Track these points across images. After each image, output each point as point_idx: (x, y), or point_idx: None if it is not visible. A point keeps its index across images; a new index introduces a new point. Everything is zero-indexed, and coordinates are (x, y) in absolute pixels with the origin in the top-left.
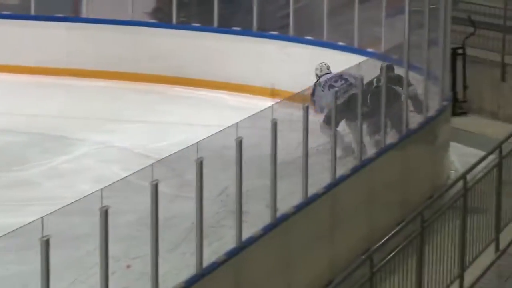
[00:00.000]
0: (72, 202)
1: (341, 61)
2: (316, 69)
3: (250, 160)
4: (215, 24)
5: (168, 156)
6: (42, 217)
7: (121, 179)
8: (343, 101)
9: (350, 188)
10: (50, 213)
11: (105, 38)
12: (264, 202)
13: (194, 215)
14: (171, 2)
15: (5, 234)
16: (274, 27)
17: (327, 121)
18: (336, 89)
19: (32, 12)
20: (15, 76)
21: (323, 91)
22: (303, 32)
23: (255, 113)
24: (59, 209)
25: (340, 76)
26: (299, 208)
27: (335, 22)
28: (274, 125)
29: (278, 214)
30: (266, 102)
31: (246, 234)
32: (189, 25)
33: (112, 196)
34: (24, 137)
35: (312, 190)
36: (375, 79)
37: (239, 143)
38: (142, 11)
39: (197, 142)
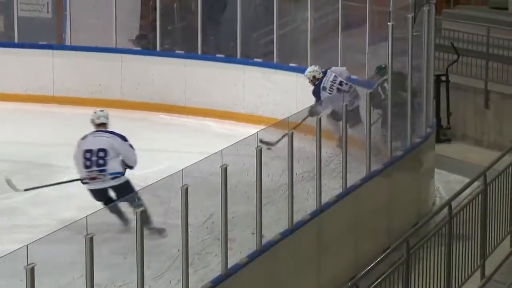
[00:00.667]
0: (57, 230)
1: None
2: (316, 71)
3: (235, 187)
4: (199, 51)
5: (153, 183)
6: (27, 245)
7: (106, 207)
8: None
9: (335, 215)
10: (35, 240)
11: (89, 65)
12: (250, 229)
13: (179, 243)
14: (155, 29)
15: None
16: (258, 54)
17: (332, 115)
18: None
19: (16, 40)
20: (0, 103)
21: (330, 93)
22: (287, 59)
23: (240, 140)
24: (44, 236)
25: (337, 79)
26: (284, 235)
27: (319, 49)
28: (259, 152)
29: (264, 241)
30: (250, 129)
31: (232, 261)
32: (173, 52)
33: (98, 223)
34: (9, 165)
35: (297, 217)
36: (378, 86)
37: (224, 170)
38: (126, 38)
39: (182, 169)
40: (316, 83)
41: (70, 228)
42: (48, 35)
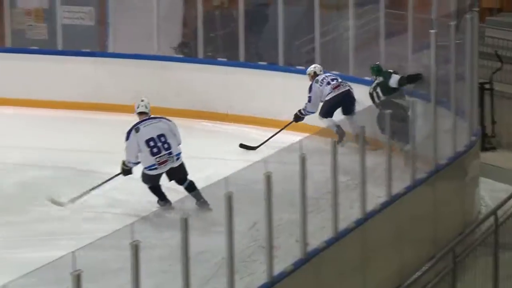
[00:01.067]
0: (103, 237)
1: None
2: (317, 68)
3: (279, 194)
4: (241, 58)
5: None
6: (73, 252)
7: (151, 213)
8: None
9: (380, 223)
10: (81, 247)
11: (131, 72)
12: (294, 237)
13: (224, 250)
14: (197, 37)
15: (36, 269)
16: (300, 61)
17: (322, 114)
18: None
19: (59, 48)
20: (43, 110)
21: (321, 86)
22: (329, 66)
23: (283, 147)
24: (90, 243)
25: (334, 76)
26: (329, 243)
27: (361, 57)
28: (303, 159)
29: (309, 249)
30: (293, 137)
31: (277, 269)
32: (215, 59)
33: (143, 230)
34: (52, 171)
35: (342, 225)
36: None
37: (268, 178)
38: (168, 46)
39: (226, 177)
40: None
41: (116, 235)
42: (91, 43)
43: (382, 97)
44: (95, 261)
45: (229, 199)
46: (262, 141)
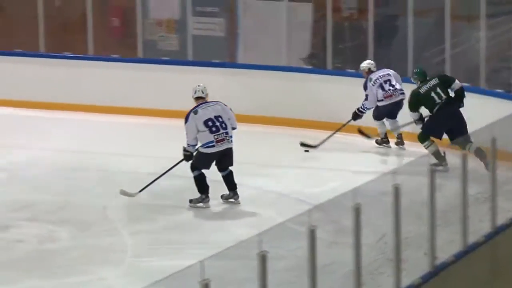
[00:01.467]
0: (230, 247)
1: (501, 109)
2: (371, 64)
3: (407, 206)
4: None
5: (324, 201)
6: (201, 261)
7: (278, 224)
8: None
9: (511, 238)
10: (209, 256)
11: (260, 83)
12: (422, 250)
13: (351, 262)
14: (326, 48)
15: (164, 277)
16: (430, 73)
17: (374, 117)
18: None
19: (190, 58)
20: (174, 120)
21: (373, 86)
22: (460, 78)
23: (412, 159)
24: (218, 252)
25: (388, 77)
26: (458, 257)
27: (492, 69)
28: (432, 171)
29: (437, 262)
30: (421, 149)
31: (404, 282)
32: (343, 71)
33: (269, 241)
34: (181, 181)
35: (471, 239)
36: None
37: (396, 190)
38: (297, 57)
39: (354, 188)
40: (369, 75)
41: (243, 245)
42: (221, 54)
43: (444, 97)
44: (223, 271)
45: (357, 211)
46: (322, 140)
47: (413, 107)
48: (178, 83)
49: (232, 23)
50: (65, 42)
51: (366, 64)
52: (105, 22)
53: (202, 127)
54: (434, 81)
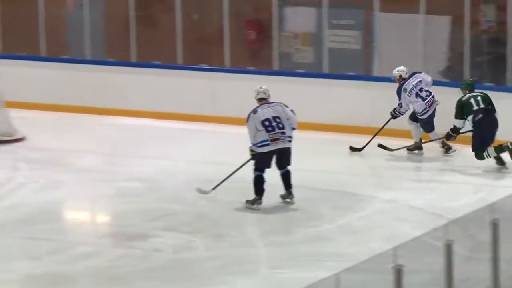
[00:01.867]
0: (365, 260)
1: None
2: (403, 71)
3: None
4: (509, 83)
5: (461, 216)
6: (337, 273)
7: (413, 238)
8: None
9: None
10: (343, 269)
11: (395, 96)
12: None
13: (488, 278)
14: (463, 61)
15: None
16: None
17: (412, 118)
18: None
19: (326, 71)
20: (311, 133)
21: (409, 96)
22: None
23: None
24: (353, 266)
25: (420, 84)
26: None
27: None
28: None
29: None
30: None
31: None
32: (481, 84)
33: (404, 255)
34: (317, 193)
35: None
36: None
37: None
38: (433, 70)
39: (491, 203)
40: (401, 82)
41: (378, 258)
42: (356, 66)
43: (482, 105)
44: (357, 284)
45: (494, 226)
46: (366, 142)
47: (458, 113)
48: (314, 96)
49: (368, 36)
50: (202, 55)
51: (397, 71)
52: (241, 35)
53: (260, 127)
54: (478, 93)
